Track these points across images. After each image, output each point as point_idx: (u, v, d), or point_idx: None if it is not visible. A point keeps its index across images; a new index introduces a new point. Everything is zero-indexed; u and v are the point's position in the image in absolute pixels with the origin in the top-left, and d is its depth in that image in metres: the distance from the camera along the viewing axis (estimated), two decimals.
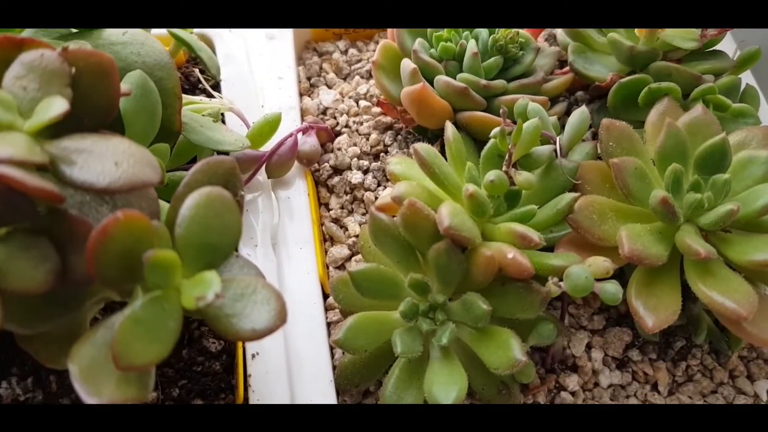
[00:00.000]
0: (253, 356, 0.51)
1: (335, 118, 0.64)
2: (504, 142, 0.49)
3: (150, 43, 0.47)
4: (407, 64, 0.56)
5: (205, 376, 0.51)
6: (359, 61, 0.69)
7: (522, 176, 0.49)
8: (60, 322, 0.35)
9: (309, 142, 0.57)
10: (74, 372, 0.31)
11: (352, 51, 0.70)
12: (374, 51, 0.70)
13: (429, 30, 0.59)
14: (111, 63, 0.35)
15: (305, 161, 0.58)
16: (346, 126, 0.64)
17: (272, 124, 0.56)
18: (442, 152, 0.54)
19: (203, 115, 0.53)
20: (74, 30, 0.49)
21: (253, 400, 0.50)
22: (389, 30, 0.62)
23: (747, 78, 0.69)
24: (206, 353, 0.53)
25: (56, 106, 0.31)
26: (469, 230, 0.45)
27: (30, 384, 0.48)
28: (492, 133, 0.49)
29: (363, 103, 0.64)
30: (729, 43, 0.70)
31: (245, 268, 0.41)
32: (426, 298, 0.48)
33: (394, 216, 0.48)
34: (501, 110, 0.48)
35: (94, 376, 0.31)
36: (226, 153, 0.51)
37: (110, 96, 0.36)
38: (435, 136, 0.62)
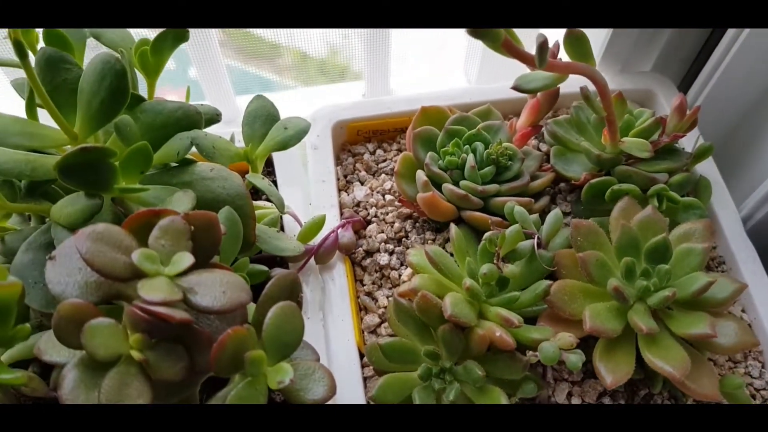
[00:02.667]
0: None
1: (366, 209, 0.81)
2: (492, 245, 0.64)
3: (231, 178, 0.64)
4: (421, 176, 0.73)
5: None
6: (385, 160, 0.86)
7: (508, 268, 0.64)
8: (183, 396, 0.52)
9: (347, 236, 0.74)
10: None
11: (379, 152, 0.86)
12: (397, 151, 0.87)
13: (437, 144, 0.76)
14: (216, 220, 0.52)
15: (344, 250, 0.75)
16: (375, 216, 0.80)
17: (319, 223, 0.73)
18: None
19: (266, 222, 0.70)
20: (174, 164, 0.67)
21: None
22: (407, 142, 0.78)
23: (707, 163, 0.82)
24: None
25: (186, 259, 0.48)
26: (466, 316, 0.61)
27: None
28: (484, 237, 0.65)
29: (388, 197, 0.81)
30: (694, 135, 0.83)
31: (305, 350, 0.58)
32: (437, 364, 0.64)
33: (411, 300, 0.64)
34: (490, 220, 0.64)
35: None
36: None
37: (215, 241, 0.53)
38: (445, 225, 0.78)
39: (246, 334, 0.49)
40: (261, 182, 0.60)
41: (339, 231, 0.74)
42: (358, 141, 0.88)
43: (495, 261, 0.65)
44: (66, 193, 0.62)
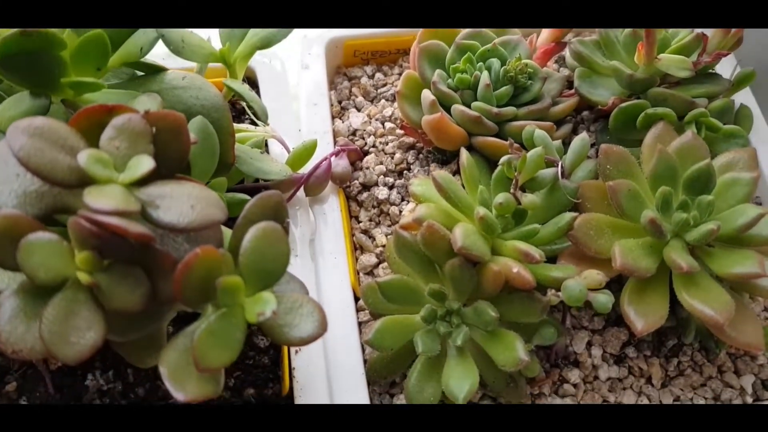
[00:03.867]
0: (296, 351, 0.60)
1: (363, 138, 0.72)
2: (510, 169, 0.56)
3: (206, 87, 0.55)
4: (427, 95, 0.63)
5: (256, 369, 0.60)
6: (384, 85, 0.76)
7: (527, 198, 0.56)
8: (147, 332, 0.44)
9: (341, 165, 0.65)
10: (164, 373, 0.39)
11: (378, 75, 0.77)
12: (398, 75, 0.77)
13: (447, 61, 0.66)
14: (183, 121, 0.43)
15: (338, 181, 0.66)
16: (373, 146, 0.71)
17: (309, 149, 0.64)
18: (459, 172, 0.62)
19: (249, 144, 0.61)
20: (139, 73, 0.57)
21: (297, 389, 0.58)
22: (411, 59, 0.69)
23: (746, 96, 0.74)
24: (256, 348, 0.61)
25: (144, 163, 0.40)
26: (479, 249, 0.52)
27: (111, 376, 0.57)
28: (501, 161, 0.56)
29: (388, 124, 0.72)
30: (730, 63, 0.75)
31: (291, 284, 0.49)
32: (443, 305, 0.56)
33: (415, 233, 0.56)
34: (508, 141, 0.55)
35: (180, 377, 0.39)
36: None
37: (183, 148, 0.44)
38: (453, 156, 0.69)
39: (218, 256, 0.40)
40: (240, 87, 0.51)
41: (332, 159, 0.65)
42: (355, 63, 0.78)
43: (512, 190, 0.56)
44: (8, 96, 0.53)
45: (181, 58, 0.53)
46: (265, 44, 0.52)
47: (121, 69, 0.54)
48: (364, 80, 0.76)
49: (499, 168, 0.58)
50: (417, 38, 0.69)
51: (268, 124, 0.55)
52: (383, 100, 0.74)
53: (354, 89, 0.76)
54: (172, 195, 0.41)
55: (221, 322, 0.41)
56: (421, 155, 0.70)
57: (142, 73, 0.57)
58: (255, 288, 0.42)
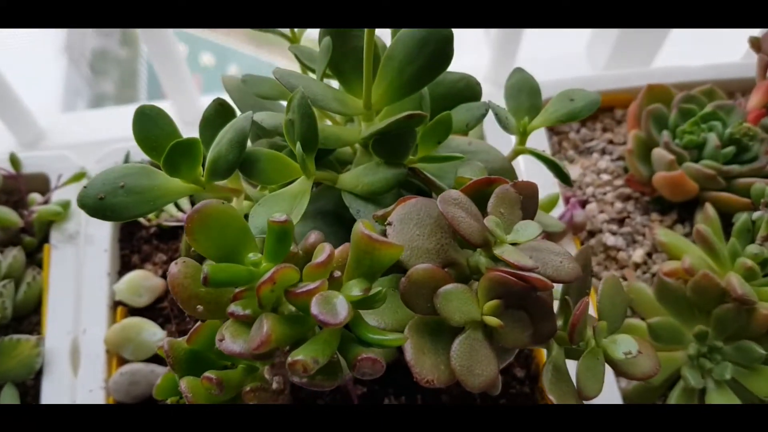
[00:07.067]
0: None
1: (581, 189, 0.80)
2: (754, 225, 0.64)
3: (492, 151, 0.64)
4: (663, 154, 0.72)
5: (518, 397, 0.68)
6: (591, 139, 0.85)
7: None
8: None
9: (581, 215, 0.73)
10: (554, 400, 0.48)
11: (583, 131, 0.86)
12: (602, 130, 0.86)
13: (671, 123, 0.75)
14: (537, 188, 0.52)
15: (577, 230, 0.74)
16: (592, 196, 0.79)
17: (553, 201, 0.72)
18: (680, 220, 0.70)
19: None
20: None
21: None
22: (630, 120, 0.77)
23: None
24: (517, 379, 0.69)
25: (533, 228, 0.48)
26: (753, 295, 0.60)
27: (403, 400, 0.65)
28: (754, 216, 0.64)
29: (604, 176, 0.80)
30: None
31: None
32: (704, 344, 0.63)
33: (678, 279, 0.64)
34: (762, 201, 0.63)
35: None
36: None
37: (534, 210, 0.53)
38: (670, 207, 0.77)
39: (588, 303, 0.49)
40: (544, 154, 0.59)
41: (573, 210, 0.74)
42: None
43: (759, 242, 0.64)
44: (339, 164, 0.62)
45: (505, 132, 0.61)
46: (568, 119, 0.60)
47: None
48: (572, 135, 0.85)
49: (742, 219, 0.65)
50: (638, 100, 0.77)
51: (572, 185, 0.64)
52: (594, 153, 0.83)
53: (564, 143, 0.84)
54: (544, 251, 0.50)
55: (591, 360, 0.49)
56: (638, 205, 0.78)
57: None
58: (609, 330, 0.50)
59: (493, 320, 0.47)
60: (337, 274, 0.46)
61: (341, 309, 0.41)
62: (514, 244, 0.49)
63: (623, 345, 0.48)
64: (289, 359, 0.40)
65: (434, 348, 0.49)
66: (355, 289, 0.44)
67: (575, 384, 0.48)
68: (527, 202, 0.52)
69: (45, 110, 1.05)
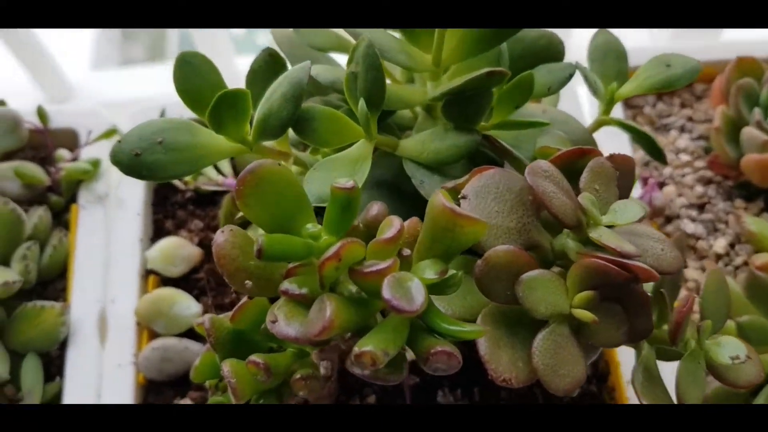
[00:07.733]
0: (628, 383, 0.61)
1: (657, 169, 0.73)
2: None
3: (571, 121, 0.57)
4: (755, 135, 0.64)
5: (584, 396, 0.62)
6: (669, 115, 0.77)
7: None
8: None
9: (660, 198, 0.66)
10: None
11: (660, 105, 0.77)
12: (680, 106, 0.78)
13: (763, 99, 0.66)
14: (633, 163, 0.45)
15: (656, 214, 0.67)
16: (669, 177, 0.72)
17: None
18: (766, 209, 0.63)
19: None
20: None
21: None
22: (715, 94, 0.69)
23: None
24: None
25: (634, 209, 0.41)
26: None
27: (459, 393, 0.59)
28: None
29: (683, 156, 0.72)
30: None
31: None
32: None
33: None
34: None
35: None
36: None
37: (630, 187, 0.46)
38: (756, 192, 0.69)
39: (694, 301, 0.42)
40: (634, 125, 0.52)
41: (651, 193, 0.66)
42: None
43: None
44: (399, 128, 0.56)
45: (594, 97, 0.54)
46: (664, 86, 0.53)
47: None
48: (647, 110, 0.77)
49: None
50: (725, 73, 0.69)
51: (667, 164, 0.56)
52: (672, 131, 0.75)
53: (638, 118, 0.77)
54: (643, 236, 0.43)
55: (692, 363, 0.42)
56: (721, 190, 0.70)
57: None
58: (713, 329, 0.44)
59: (585, 314, 0.40)
60: (406, 252, 0.40)
61: (417, 294, 0.35)
62: (610, 227, 0.42)
63: (730, 348, 0.42)
64: (356, 350, 0.34)
65: (511, 342, 0.43)
66: (429, 271, 0.38)
67: (674, 389, 0.41)
68: (623, 179, 0.45)
69: (75, 67, 1.00)
